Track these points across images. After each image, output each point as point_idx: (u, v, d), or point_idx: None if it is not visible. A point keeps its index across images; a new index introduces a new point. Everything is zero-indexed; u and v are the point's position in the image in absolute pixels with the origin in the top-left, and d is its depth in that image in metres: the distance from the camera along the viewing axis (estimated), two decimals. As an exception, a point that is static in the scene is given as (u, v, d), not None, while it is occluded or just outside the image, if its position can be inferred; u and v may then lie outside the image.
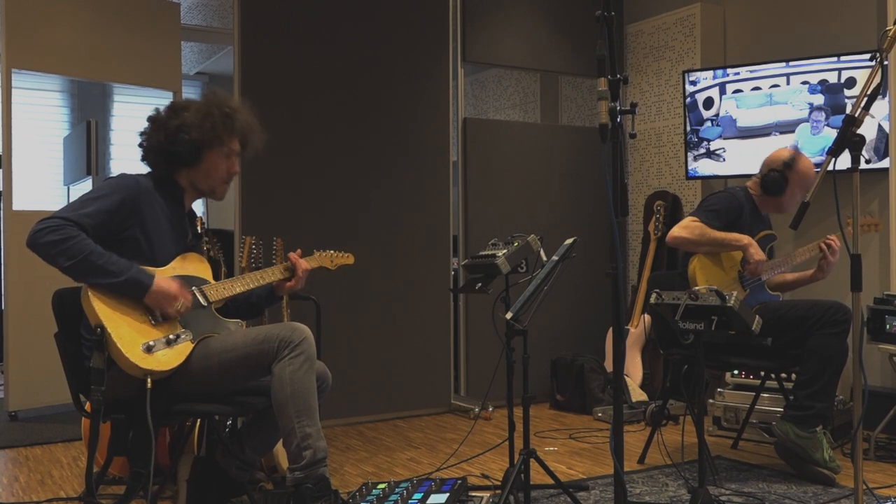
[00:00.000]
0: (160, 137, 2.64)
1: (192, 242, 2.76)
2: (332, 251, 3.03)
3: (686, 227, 3.55)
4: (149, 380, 2.36)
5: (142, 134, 2.70)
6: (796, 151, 3.66)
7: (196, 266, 2.69)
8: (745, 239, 3.51)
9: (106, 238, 2.46)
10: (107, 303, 2.40)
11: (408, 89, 4.83)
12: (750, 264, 3.51)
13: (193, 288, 2.59)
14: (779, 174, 3.62)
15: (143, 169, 2.76)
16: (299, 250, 2.90)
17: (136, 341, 2.38)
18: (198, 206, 2.91)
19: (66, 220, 2.39)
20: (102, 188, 2.55)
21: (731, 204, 3.63)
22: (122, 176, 2.61)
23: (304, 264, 2.84)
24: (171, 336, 2.46)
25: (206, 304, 2.60)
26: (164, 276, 2.50)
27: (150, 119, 2.70)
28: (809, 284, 3.80)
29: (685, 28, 5.34)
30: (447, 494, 2.89)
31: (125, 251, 2.49)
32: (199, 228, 2.84)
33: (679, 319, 2.84)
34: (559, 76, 6.34)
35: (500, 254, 2.94)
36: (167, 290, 2.46)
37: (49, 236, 2.35)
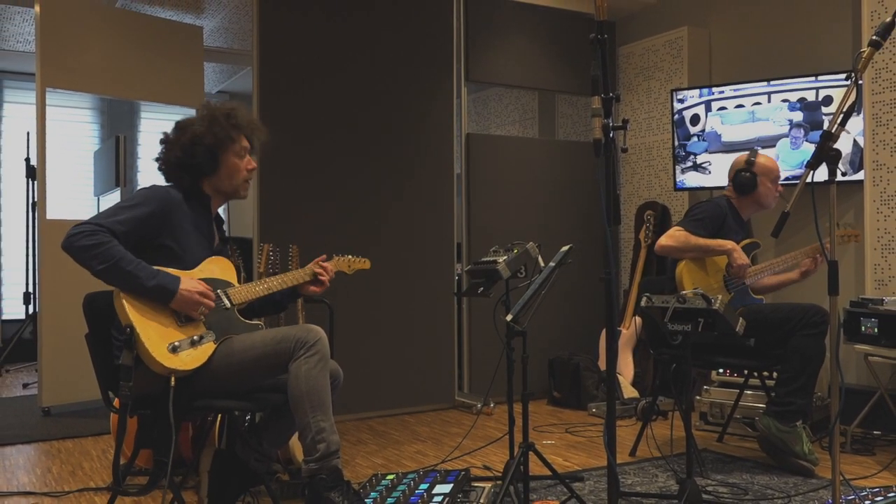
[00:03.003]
0: (177, 153, 2.63)
1: (219, 246, 2.77)
2: (349, 256, 3.01)
3: (671, 236, 3.56)
4: (172, 378, 2.36)
5: (157, 159, 2.69)
6: (753, 150, 3.69)
7: (222, 269, 2.68)
8: (728, 244, 3.52)
9: (139, 245, 2.47)
10: (136, 304, 2.40)
11: (415, 107, 4.84)
12: (734, 268, 3.51)
13: (218, 291, 2.59)
14: (747, 172, 3.64)
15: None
16: (324, 255, 2.89)
17: (162, 341, 2.39)
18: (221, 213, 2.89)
19: (100, 226, 2.40)
20: (135, 198, 2.55)
21: (714, 213, 3.63)
22: (154, 187, 2.61)
23: (331, 268, 2.85)
24: (195, 337, 2.46)
25: (229, 307, 2.60)
26: (190, 280, 2.51)
27: (162, 142, 2.69)
28: (789, 287, 3.81)
29: (673, 50, 5.34)
30: (451, 485, 2.88)
31: (159, 257, 2.49)
32: (225, 233, 2.84)
33: (668, 321, 2.83)
34: (556, 94, 6.35)
35: (500, 260, 2.94)
36: (191, 297, 2.46)
37: (83, 241, 2.36)
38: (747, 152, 3.72)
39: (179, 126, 2.69)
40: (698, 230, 3.55)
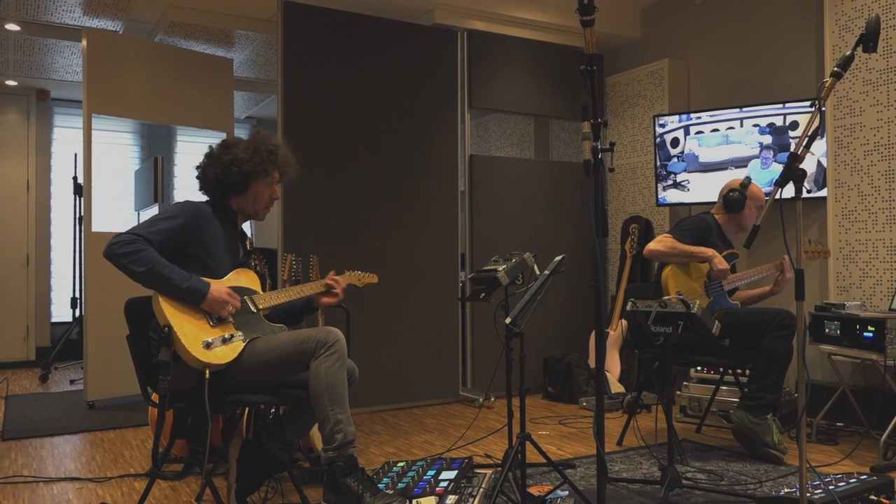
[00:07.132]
0: (216, 170, 2.66)
1: (244, 259, 2.78)
2: (359, 272, 3.03)
3: (660, 242, 3.56)
4: (207, 371, 2.37)
5: (198, 167, 2.72)
6: (748, 178, 3.68)
7: (248, 279, 2.70)
8: (710, 251, 3.51)
9: (172, 253, 2.48)
10: (173, 306, 2.42)
11: (423, 131, 4.86)
12: (714, 272, 3.51)
13: (245, 297, 2.60)
14: (738, 193, 3.64)
15: (203, 197, 2.78)
16: (333, 271, 2.91)
17: (197, 339, 2.40)
18: (246, 229, 2.90)
19: (138, 235, 2.42)
20: (170, 211, 2.58)
21: (700, 226, 3.64)
22: (188, 202, 2.63)
23: (342, 281, 2.86)
24: (226, 335, 2.47)
25: (255, 311, 2.61)
26: (219, 283, 2.52)
27: (206, 155, 2.72)
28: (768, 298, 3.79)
29: (655, 79, 5.35)
30: (456, 471, 2.88)
31: (190, 265, 2.51)
32: (248, 246, 2.86)
33: (651, 324, 2.83)
34: (550, 120, 6.36)
35: (500, 268, 2.95)
36: (220, 297, 2.47)
37: (123, 248, 2.38)
38: (742, 177, 3.71)
39: (225, 144, 2.71)
40: (684, 238, 3.55)
